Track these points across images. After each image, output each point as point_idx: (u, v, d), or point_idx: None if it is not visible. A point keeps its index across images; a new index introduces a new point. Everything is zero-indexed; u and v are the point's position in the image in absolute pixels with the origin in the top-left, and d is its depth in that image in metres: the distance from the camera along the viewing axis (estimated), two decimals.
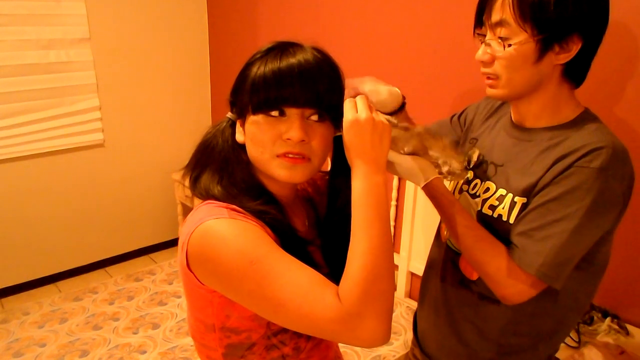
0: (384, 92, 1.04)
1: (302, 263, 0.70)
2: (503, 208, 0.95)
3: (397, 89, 1.06)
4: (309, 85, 0.73)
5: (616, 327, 1.48)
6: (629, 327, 1.48)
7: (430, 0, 2.00)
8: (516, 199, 0.93)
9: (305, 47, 0.77)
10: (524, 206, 0.92)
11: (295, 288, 0.67)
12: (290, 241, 0.78)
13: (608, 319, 1.49)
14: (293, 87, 0.73)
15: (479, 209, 1.01)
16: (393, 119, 0.85)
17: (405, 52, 2.15)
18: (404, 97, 1.10)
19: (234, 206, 0.76)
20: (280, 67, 0.73)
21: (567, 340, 1.45)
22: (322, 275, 0.69)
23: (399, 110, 1.09)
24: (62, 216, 2.95)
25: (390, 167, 0.96)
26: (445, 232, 1.13)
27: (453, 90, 2.00)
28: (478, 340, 1.06)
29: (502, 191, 0.97)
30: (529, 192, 0.91)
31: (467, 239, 0.94)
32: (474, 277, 1.03)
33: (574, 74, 0.91)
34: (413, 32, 2.10)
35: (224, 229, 0.71)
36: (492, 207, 0.98)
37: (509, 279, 0.89)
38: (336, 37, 2.42)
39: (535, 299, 0.91)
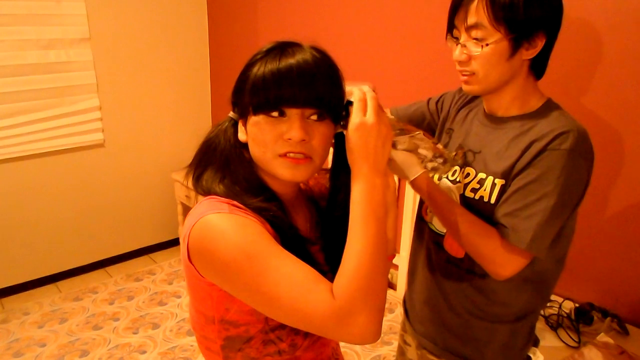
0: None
1: (298, 259, 0.71)
2: (485, 190, 1.04)
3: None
4: (308, 85, 0.74)
5: (616, 327, 1.48)
6: (629, 327, 1.48)
7: (429, 1, 2.00)
8: (496, 181, 1.03)
9: (304, 47, 0.78)
10: (503, 187, 1.02)
11: (290, 283, 0.68)
12: (290, 239, 0.79)
13: (608, 319, 1.49)
14: (292, 88, 0.73)
15: (462, 192, 1.09)
16: (394, 120, 0.87)
17: (404, 51, 2.15)
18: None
19: (235, 202, 0.77)
20: (279, 68, 0.74)
21: (567, 340, 1.45)
22: (317, 272, 0.70)
23: None
24: (62, 216, 2.95)
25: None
26: (428, 216, 1.20)
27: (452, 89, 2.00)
28: (471, 309, 1.13)
29: (481, 175, 1.06)
30: (507, 175, 1.01)
31: (461, 226, 1.02)
32: (460, 254, 1.11)
33: (538, 67, 1.03)
34: (412, 32, 2.10)
35: (223, 223, 0.72)
36: (474, 190, 1.07)
37: (504, 256, 0.98)
38: (336, 37, 2.42)
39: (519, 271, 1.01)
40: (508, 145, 1.02)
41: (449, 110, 1.23)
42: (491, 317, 1.12)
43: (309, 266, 0.70)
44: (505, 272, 0.99)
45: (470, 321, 1.14)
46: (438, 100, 1.27)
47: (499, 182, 1.02)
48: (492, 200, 1.02)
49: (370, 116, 0.75)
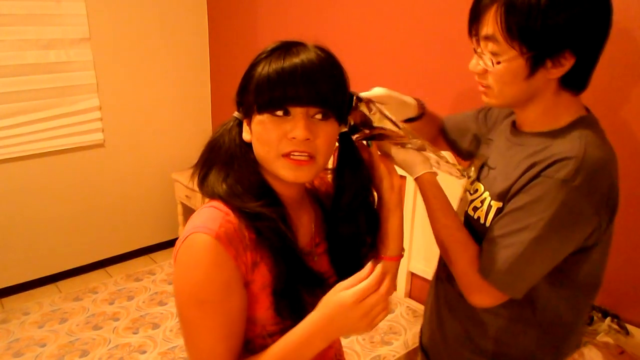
0: (396, 101, 1.05)
1: (237, 331, 0.77)
2: (482, 211, 0.96)
3: (412, 100, 1.06)
4: (312, 84, 0.74)
5: (616, 327, 1.48)
6: (629, 327, 1.49)
7: (432, 1, 2.00)
8: (492, 203, 0.94)
9: (309, 46, 0.78)
10: (498, 210, 0.92)
11: (207, 347, 0.75)
12: (284, 251, 0.79)
13: (608, 319, 1.50)
14: (297, 87, 0.74)
15: (466, 209, 1.01)
16: (400, 123, 0.87)
17: (405, 51, 2.15)
18: (421, 105, 1.11)
19: (230, 217, 0.77)
20: (283, 67, 0.74)
21: None
22: (237, 351, 0.77)
23: (417, 118, 1.11)
24: (62, 216, 2.95)
25: (389, 153, 0.98)
26: None
27: (454, 89, 2.00)
28: (460, 336, 1.06)
29: (486, 194, 0.97)
30: (503, 197, 0.91)
31: (443, 237, 0.96)
32: None
33: (572, 84, 0.88)
34: (414, 31, 2.10)
35: (201, 255, 0.74)
36: (475, 209, 0.99)
37: (471, 282, 0.91)
38: (336, 37, 2.42)
39: (511, 307, 0.92)
40: (517, 165, 0.90)
41: (496, 120, 1.12)
42: (482, 352, 1.02)
43: (238, 342, 0.77)
44: (474, 300, 0.91)
45: (458, 351, 1.06)
46: (489, 110, 1.17)
47: (495, 204, 0.93)
48: (487, 223, 0.93)
49: (358, 300, 0.70)
